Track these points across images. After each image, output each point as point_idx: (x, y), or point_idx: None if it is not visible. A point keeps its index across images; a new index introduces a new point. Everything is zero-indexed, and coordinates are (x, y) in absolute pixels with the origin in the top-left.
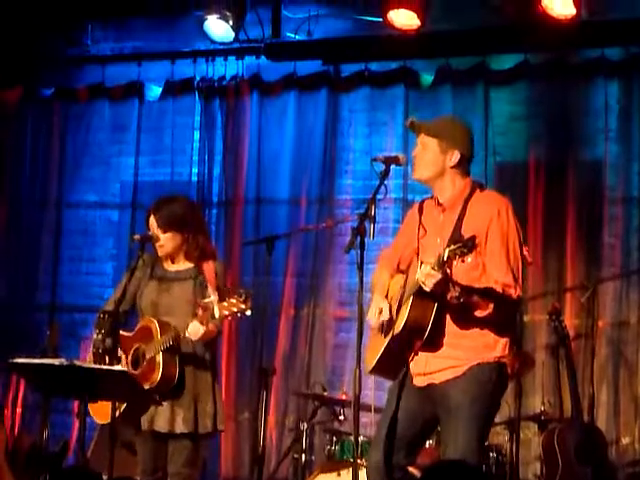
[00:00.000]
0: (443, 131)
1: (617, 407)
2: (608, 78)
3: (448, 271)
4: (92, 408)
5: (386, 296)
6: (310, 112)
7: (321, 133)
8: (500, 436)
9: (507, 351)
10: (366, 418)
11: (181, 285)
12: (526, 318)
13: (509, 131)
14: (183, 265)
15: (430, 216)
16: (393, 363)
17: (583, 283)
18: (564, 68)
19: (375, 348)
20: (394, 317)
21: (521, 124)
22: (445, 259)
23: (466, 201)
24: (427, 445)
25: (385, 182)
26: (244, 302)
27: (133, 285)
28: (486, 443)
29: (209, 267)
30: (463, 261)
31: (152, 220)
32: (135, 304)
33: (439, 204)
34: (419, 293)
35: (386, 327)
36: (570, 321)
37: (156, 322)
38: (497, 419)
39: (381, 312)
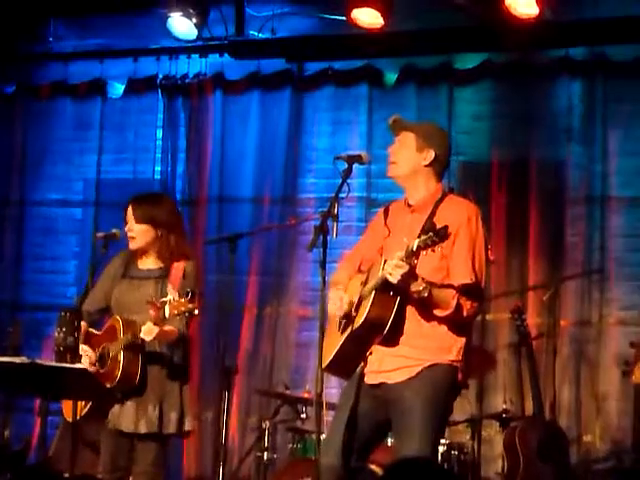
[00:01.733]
0: (421, 129)
1: (579, 406)
2: (571, 78)
3: (415, 262)
4: (64, 405)
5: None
6: (274, 111)
7: (284, 132)
8: (462, 434)
9: (461, 356)
10: (329, 417)
11: (148, 284)
12: (488, 317)
13: (473, 131)
14: (154, 264)
15: (397, 217)
16: (348, 361)
17: (545, 282)
18: (528, 68)
19: (331, 345)
20: (353, 314)
21: (484, 124)
22: (414, 249)
23: (436, 204)
24: (389, 443)
25: (348, 181)
26: (190, 301)
27: (107, 284)
28: (443, 442)
29: (178, 267)
30: (433, 251)
31: (130, 210)
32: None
33: (409, 205)
34: (382, 288)
35: (344, 324)
36: (532, 320)
37: (121, 321)
38: (459, 417)
39: (342, 301)
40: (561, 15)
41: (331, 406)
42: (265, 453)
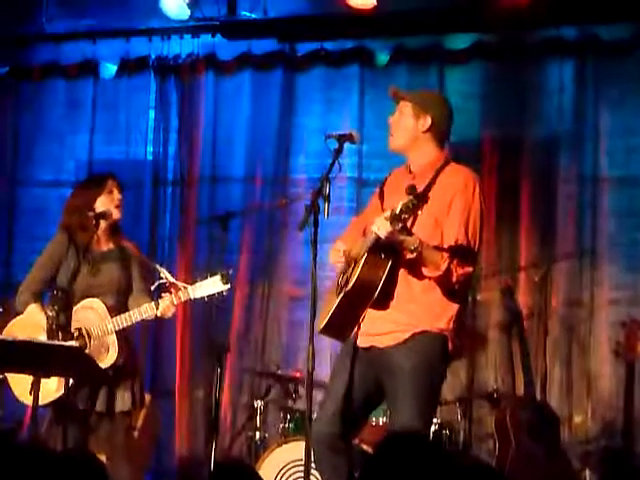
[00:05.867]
0: (417, 97)
1: (569, 386)
2: (563, 57)
3: (399, 226)
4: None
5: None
6: (265, 91)
7: (276, 112)
8: (453, 414)
9: (451, 325)
10: (319, 396)
11: (109, 266)
12: (479, 296)
13: (463, 111)
14: (107, 246)
15: (399, 183)
16: (343, 323)
17: (536, 262)
18: (519, 47)
19: (329, 307)
20: (348, 275)
21: (475, 104)
22: (397, 212)
23: (437, 172)
24: (381, 422)
25: (339, 160)
26: (226, 282)
27: (52, 266)
28: (435, 421)
29: (130, 246)
30: (415, 216)
31: (113, 182)
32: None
33: (410, 172)
34: (373, 249)
35: (341, 286)
36: (523, 299)
37: (101, 303)
38: (450, 396)
39: (339, 251)
40: None
41: (322, 385)
42: (257, 432)
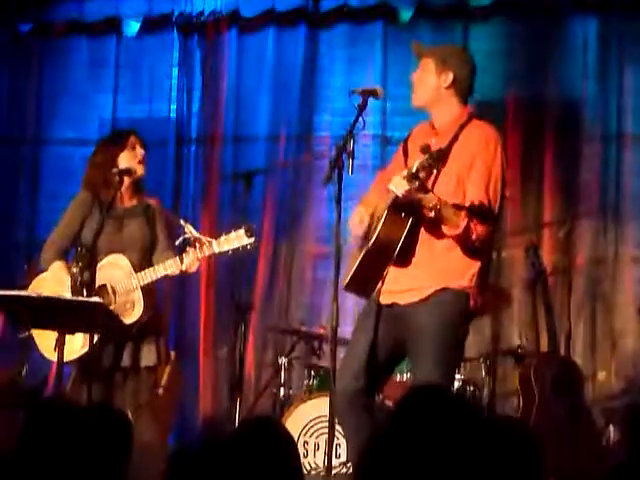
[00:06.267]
0: (438, 52)
1: (594, 342)
2: (587, 14)
3: (416, 184)
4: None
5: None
6: (289, 48)
7: (300, 70)
8: (477, 371)
9: (474, 282)
10: (343, 352)
11: (133, 223)
12: (503, 253)
13: (487, 68)
14: (130, 202)
15: (423, 139)
16: (366, 280)
17: (561, 219)
18: (543, 4)
19: (352, 264)
20: (371, 233)
21: (499, 61)
22: (414, 171)
23: (461, 128)
24: (404, 379)
25: (363, 116)
26: (250, 236)
27: (76, 223)
28: (458, 377)
29: (156, 202)
30: (437, 174)
31: (135, 139)
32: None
33: (433, 128)
34: (393, 208)
35: (362, 242)
36: (548, 257)
37: (126, 259)
38: (474, 354)
39: (361, 219)
40: None
41: (346, 342)
42: (281, 389)
